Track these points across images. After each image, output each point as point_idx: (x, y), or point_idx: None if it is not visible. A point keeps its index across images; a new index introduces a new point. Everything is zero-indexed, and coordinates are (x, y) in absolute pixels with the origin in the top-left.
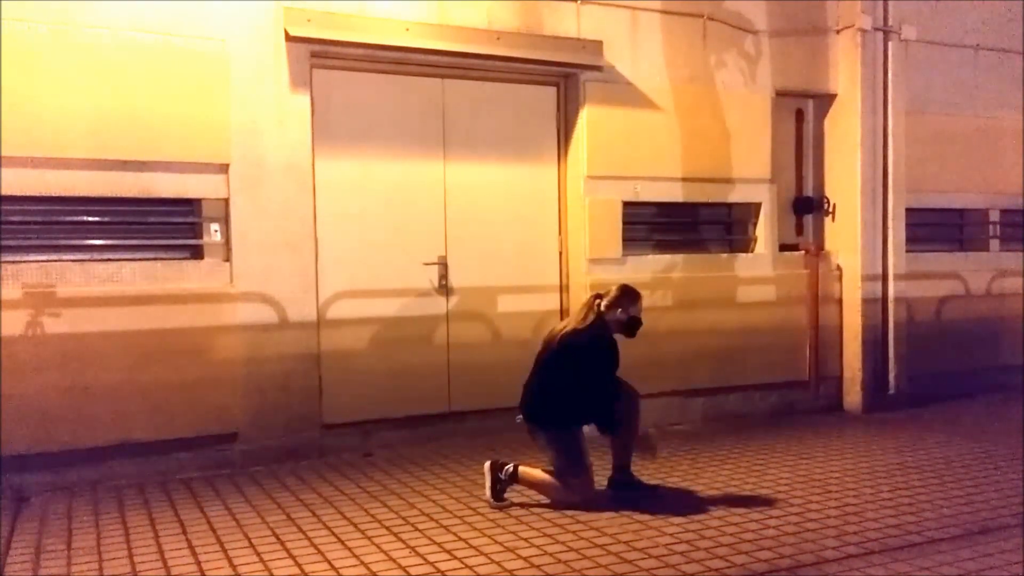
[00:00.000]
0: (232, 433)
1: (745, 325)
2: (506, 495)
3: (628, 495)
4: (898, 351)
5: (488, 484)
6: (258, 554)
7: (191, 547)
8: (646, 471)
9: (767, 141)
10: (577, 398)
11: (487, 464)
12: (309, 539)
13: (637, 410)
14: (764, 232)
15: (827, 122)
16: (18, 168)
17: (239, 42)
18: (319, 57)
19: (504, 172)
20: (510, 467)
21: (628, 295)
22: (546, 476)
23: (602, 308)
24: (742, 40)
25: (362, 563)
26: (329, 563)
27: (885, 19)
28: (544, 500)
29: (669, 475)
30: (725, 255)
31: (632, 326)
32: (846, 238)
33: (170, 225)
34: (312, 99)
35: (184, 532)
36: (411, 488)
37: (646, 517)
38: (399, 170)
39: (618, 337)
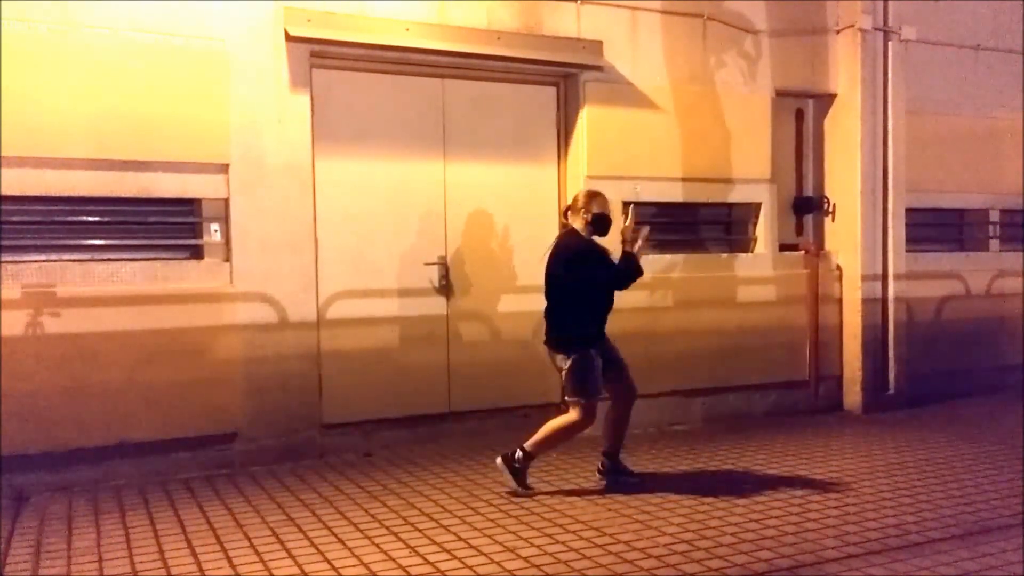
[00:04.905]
0: (232, 433)
1: (745, 325)
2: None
3: (618, 480)
4: (898, 351)
5: (508, 478)
6: (258, 554)
7: (191, 547)
8: (650, 464)
9: (767, 141)
10: (574, 310)
11: (498, 461)
12: (309, 539)
13: (630, 406)
14: (764, 232)
15: (827, 122)
16: (18, 168)
17: (239, 42)
18: (319, 57)
19: (504, 172)
20: (517, 451)
21: (587, 196)
22: (548, 426)
23: (567, 219)
24: (742, 40)
25: (362, 563)
26: (329, 563)
27: (885, 19)
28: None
29: (669, 475)
30: (725, 255)
31: (599, 223)
32: (846, 238)
33: (170, 225)
34: (312, 99)
35: (184, 532)
36: (411, 488)
37: (646, 517)
38: (399, 170)
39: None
